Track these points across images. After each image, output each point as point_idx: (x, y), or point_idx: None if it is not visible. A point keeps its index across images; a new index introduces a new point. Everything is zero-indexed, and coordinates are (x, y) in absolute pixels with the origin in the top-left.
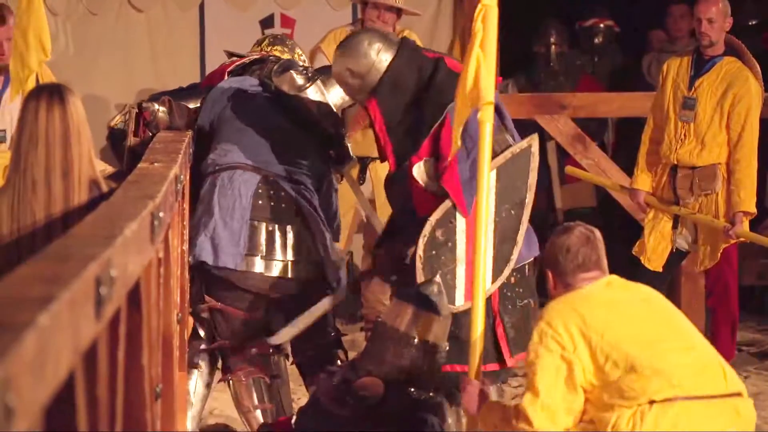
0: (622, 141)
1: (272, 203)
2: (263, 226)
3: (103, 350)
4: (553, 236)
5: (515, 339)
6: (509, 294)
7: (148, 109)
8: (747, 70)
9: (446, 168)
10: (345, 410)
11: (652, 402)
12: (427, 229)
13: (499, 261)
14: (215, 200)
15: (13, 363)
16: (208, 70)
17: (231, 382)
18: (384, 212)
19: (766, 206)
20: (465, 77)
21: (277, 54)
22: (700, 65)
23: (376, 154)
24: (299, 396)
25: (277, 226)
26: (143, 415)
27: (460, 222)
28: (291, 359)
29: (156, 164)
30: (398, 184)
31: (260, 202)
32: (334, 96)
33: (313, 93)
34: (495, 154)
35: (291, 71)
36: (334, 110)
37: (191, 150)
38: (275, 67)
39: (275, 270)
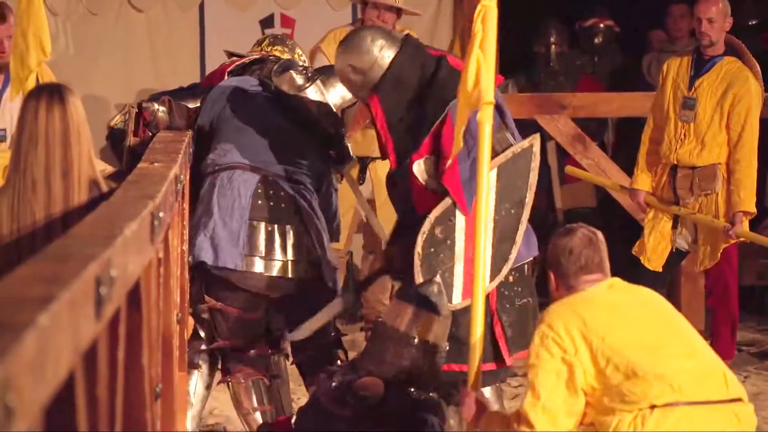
0: (622, 141)
1: (271, 203)
2: (262, 226)
3: (103, 350)
4: (555, 238)
5: (513, 338)
6: (507, 293)
7: (148, 109)
8: (747, 70)
9: (447, 166)
10: (345, 410)
11: (653, 407)
12: (426, 227)
13: (498, 260)
14: (214, 200)
15: (13, 363)
16: (208, 70)
17: (230, 383)
18: (384, 212)
19: (766, 206)
20: (465, 78)
21: (277, 54)
22: (700, 65)
23: (376, 154)
24: (299, 396)
25: (276, 226)
26: (143, 415)
27: (460, 220)
28: (291, 359)
29: (156, 164)
30: (399, 182)
31: (259, 202)
32: (334, 96)
33: (312, 93)
34: (496, 153)
35: (291, 71)
36: (334, 110)
37: (191, 150)
38: (275, 67)
39: (275, 270)
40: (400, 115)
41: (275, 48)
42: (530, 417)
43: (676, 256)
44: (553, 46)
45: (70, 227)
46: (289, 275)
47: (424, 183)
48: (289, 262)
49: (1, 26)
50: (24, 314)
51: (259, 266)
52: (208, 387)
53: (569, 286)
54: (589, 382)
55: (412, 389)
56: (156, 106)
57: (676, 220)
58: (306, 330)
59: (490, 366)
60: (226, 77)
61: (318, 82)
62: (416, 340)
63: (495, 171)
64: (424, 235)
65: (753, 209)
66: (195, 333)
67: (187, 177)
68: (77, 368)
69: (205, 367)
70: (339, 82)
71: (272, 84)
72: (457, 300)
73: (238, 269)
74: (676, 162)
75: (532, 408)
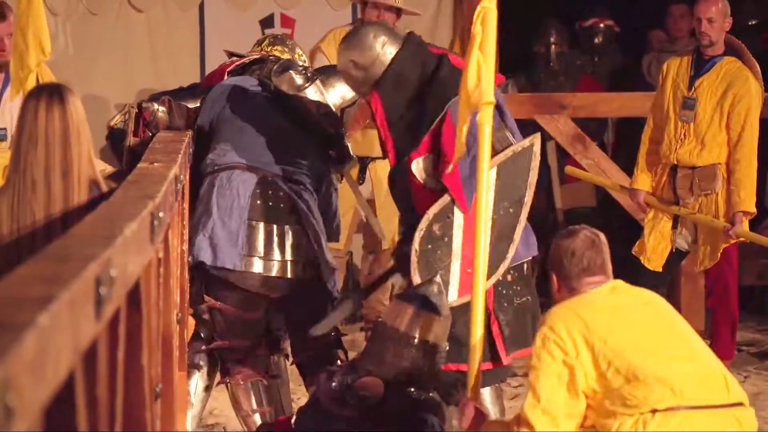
0: (622, 141)
1: (270, 203)
2: (261, 226)
3: (103, 350)
4: (557, 239)
5: (511, 337)
6: (505, 292)
7: (148, 109)
8: (747, 70)
9: (446, 165)
10: (345, 410)
11: (654, 411)
12: (424, 223)
13: (495, 259)
14: (214, 200)
15: (13, 363)
16: (208, 70)
17: (229, 384)
18: (384, 212)
19: (766, 206)
20: (466, 79)
21: (277, 54)
22: (700, 65)
23: (375, 154)
24: (299, 396)
25: (275, 226)
26: (143, 415)
27: (458, 217)
28: (291, 359)
29: (156, 164)
30: (399, 180)
31: (258, 202)
32: (334, 96)
33: (312, 93)
34: (496, 152)
35: (290, 71)
36: (334, 110)
37: (191, 150)
38: (275, 67)
39: (273, 270)
40: (400, 113)
41: (275, 48)
42: (531, 419)
43: (676, 256)
44: (553, 46)
45: (70, 227)
46: (288, 275)
47: (422, 181)
48: (288, 263)
49: (1, 24)
50: (24, 314)
51: (257, 266)
52: (208, 387)
53: (571, 287)
54: (590, 385)
55: (412, 389)
56: (156, 106)
57: (676, 220)
58: (324, 327)
59: (487, 365)
60: (226, 77)
61: (318, 82)
62: (416, 340)
63: (495, 169)
64: (422, 232)
65: (753, 209)
66: (196, 333)
67: (187, 177)
68: (77, 368)
69: (205, 367)
70: (339, 82)
71: (272, 84)
72: (454, 297)
73: (237, 269)
74: (676, 162)
75: (533, 410)
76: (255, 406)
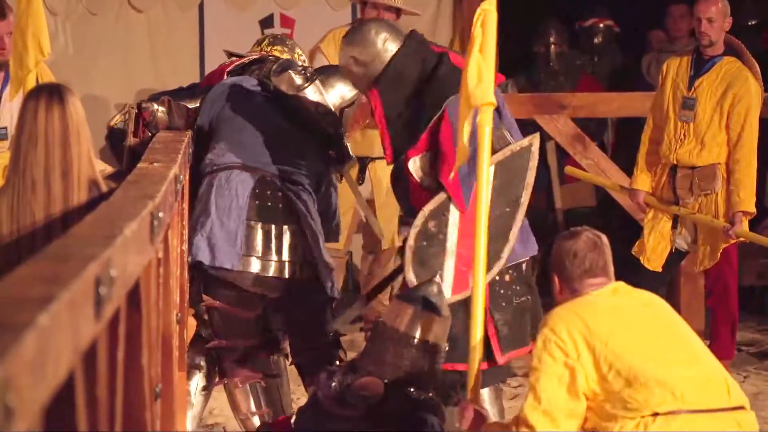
0: (622, 141)
1: (269, 203)
2: (259, 226)
3: (103, 350)
4: (559, 240)
5: (508, 337)
6: (503, 292)
7: (148, 109)
8: (747, 70)
9: (444, 163)
10: (345, 410)
11: (655, 414)
12: (419, 220)
13: (490, 258)
14: (212, 200)
15: (13, 363)
16: (208, 70)
17: (227, 387)
18: (384, 212)
19: (766, 206)
20: (466, 82)
21: (277, 54)
22: (700, 65)
23: (375, 154)
24: (299, 396)
25: (273, 226)
26: (143, 415)
27: (453, 215)
28: (290, 359)
29: (155, 164)
30: (399, 178)
31: (257, 202)
32: (333, 96)
33: (311, 93)
34: (494, 151)
35: (290, 71)
36: (333, 110)
37: (191, 150)
38: (274, 67)
39: (271, 270)
40: (398, 110)
41: (275, 48)
42: (531, 420)
43: (675, 256)
44: (552, 46)
45: (69, 227)
46: (285, 276)
47: (419, 180)
48: (286, 263)
49: (1, 23)
50: (24, 314)
51: (255, 266)
52: (208, 387)
53: (573, 289)
54: (591, 387)
55: (412, 389)
56: (155, 106)
57: (675, 220)
58: (341, 322)
59: (483, 365)
60: (225, 77)
61: (317, 82)
62: (416, 340)
63: (492, 168)
64: (417, 229)
65: (753, 209)
66: (198, 334)
67: (187, 177)
68: (77, 368)
69: (205, 367)
70: (338, 82)
71: (271, 84)
72: (448, 295)
73: (235, 269)
74: (675, 162)
75: (533, 411)
76: (254, 408)
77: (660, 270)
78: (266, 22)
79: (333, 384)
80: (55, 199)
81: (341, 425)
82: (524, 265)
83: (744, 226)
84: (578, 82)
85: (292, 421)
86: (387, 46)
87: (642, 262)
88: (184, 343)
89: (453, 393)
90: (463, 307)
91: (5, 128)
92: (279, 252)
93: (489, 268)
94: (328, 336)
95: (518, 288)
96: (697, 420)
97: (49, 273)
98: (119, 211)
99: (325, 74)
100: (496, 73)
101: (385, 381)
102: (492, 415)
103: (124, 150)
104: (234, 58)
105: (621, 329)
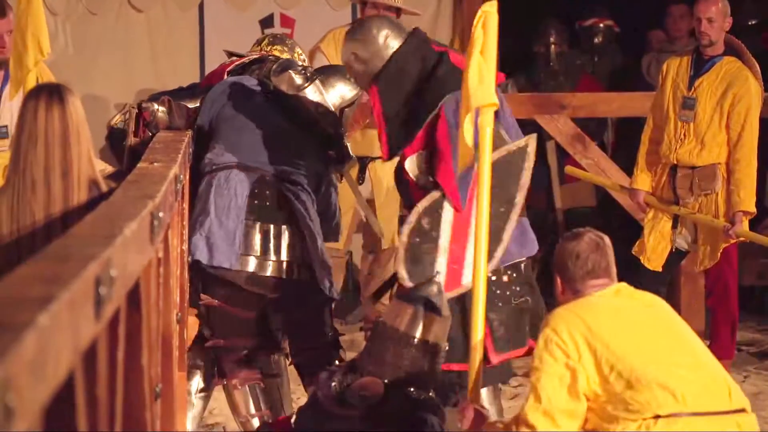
0: (622, 141)
1: (268, 203)
2: (258, 225)
3: (103, 350)
4: (562, 242)
5: (505, 337)
6: (499, 292)
7: (148, 109)
8: (747, 70)
9: (440, 162)
10: (345, 410)
11: (657, 417)
12: (413, 217)
13: None
14: (211, 199)
15: (13, 363)
16: (208, 70)
17: (227, 388)
18: (384, 212)
19: (766, 206)
20: (467, 83)
21: (277, 54)
22: (700, 65)
23: (375, 154)
24: (299, 396)
25: (272, 226)
26: (143, 415)
27: (447, 213)
28: (290, 359)
29: (156, 164)
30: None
31: (256, 202)
32: (333, 96)
33: (311, 93)
34: None
35: (290, 71)
36: (333, 110)
37: (191, 150)
38: (274, 67)
39: (269, 270)
40: (396, 108)
41: (275, 48)
42: (531, 420)
43: (676, 256)
44: (553, 46)
45: (69, 227)
46: (284, 275)
47: (415, 178)
48: (284, 263)
49: (1, 21)
50: (24, 314)
51: (253, 266)
52: (209, 387)
53: (576, 290)
54: (592, 389)
55: (412, 389)
56: (156, 106)
57: (675, 220)
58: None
59: None
60: (225, 77)
61: (317, 82)
62: (416, 340)
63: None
64: (410, 225)
65: (753, 209)
66: (199, 334)
67: (187, 177)
68: (77, 368)
69: (206, 367)
70: (338, 82)
71: (271, 84)
72: None
73: (233, 268)
74: (675, 162)
75: (534, 411)
76: (253, 410)
77: (660, 270)
78: (266, 22)
79: (333, 384)
80: (55, 198)
81: (341, 425)
82: (523, 266)
83: (744, 225)
84: (578, 82)
85: (292, 421)
86: (388, 42)
87: (642, 261)
88: (184, 343)
89: (452, 393)
90: (457, 306)
91: (5, 127)
92: (277, 252)
93: None
94: (327, 336)
95: (518, 289)
96: (698, 423)
97: (49, 273)
98: (119, 210)
99: (325, 74)
100: (496, 73)
101: (385, 381)
102: (491, 414)
103: (124, 150)
104: (234, 58)
105: (623, 331)
